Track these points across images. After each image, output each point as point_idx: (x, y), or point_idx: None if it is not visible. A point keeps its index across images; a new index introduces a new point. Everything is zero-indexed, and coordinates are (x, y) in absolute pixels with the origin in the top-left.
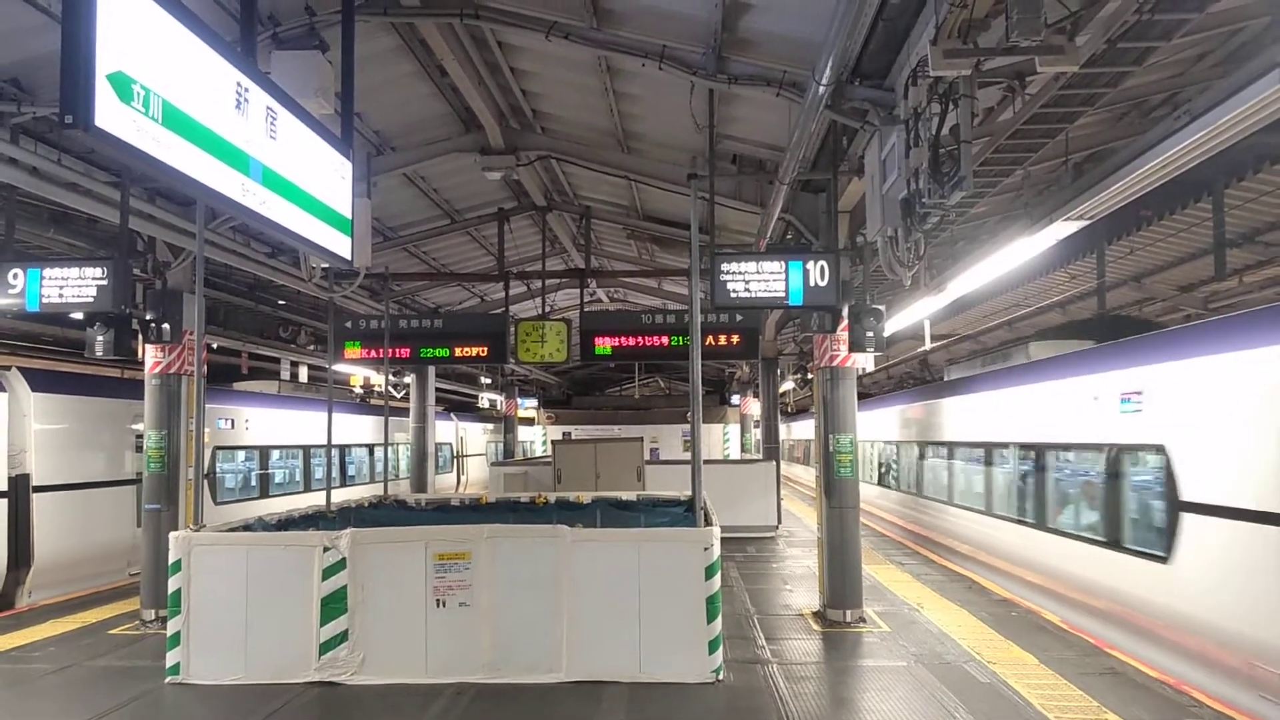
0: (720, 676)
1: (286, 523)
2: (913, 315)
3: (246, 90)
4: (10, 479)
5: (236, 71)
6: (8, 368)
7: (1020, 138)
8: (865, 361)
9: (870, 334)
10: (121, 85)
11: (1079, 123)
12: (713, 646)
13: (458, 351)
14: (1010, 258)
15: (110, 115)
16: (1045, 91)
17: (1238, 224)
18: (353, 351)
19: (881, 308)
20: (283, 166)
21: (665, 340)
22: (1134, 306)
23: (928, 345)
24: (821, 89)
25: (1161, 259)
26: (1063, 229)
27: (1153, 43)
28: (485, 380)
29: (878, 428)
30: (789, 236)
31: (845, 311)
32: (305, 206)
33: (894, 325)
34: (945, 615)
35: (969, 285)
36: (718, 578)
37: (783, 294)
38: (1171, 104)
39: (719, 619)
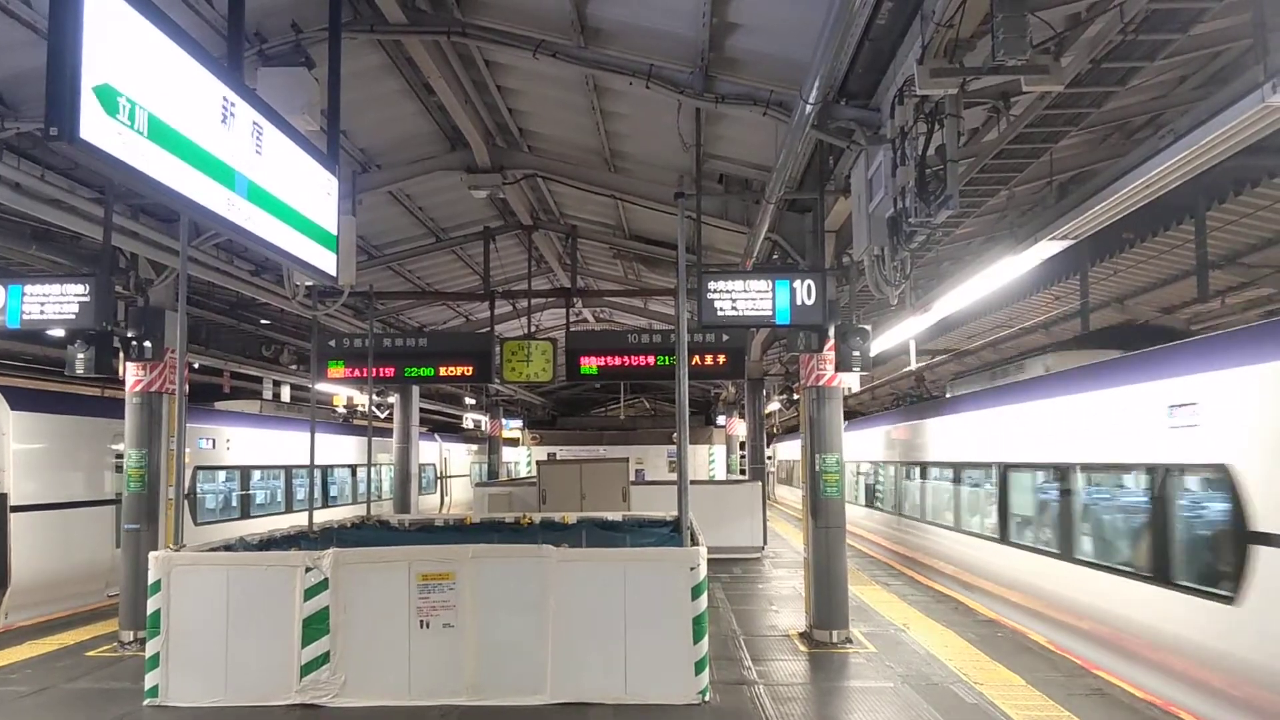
0: (706, 698)
1: (268, 543)
2: (899, 335)
3: (233, 105)
4: None
5: (223, 86)
6: None
7: (1005, 158)
8: (851, 381)
9: (856, 353)
10: (107, 98)
11: (1063, 143)
12: (699, 667)
13: (442, 371)
14: (995, 277)
15: (95, 128)
16: (1030, 112)
17: (1220, 246)
18: (336, 371)
19: (868, 327)
20: (268, 182)
21: (651, 360)
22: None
23: (913, 365)
24: (808, 108)
25: (1144, 280)
26: (1047, 248)
27: (1136, 63)
28: (470, 401)
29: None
30: (775, 256)
31: (831, 331)
32: (291, 222)
33: (880, 345)
34: (931, 636)
35: (954, 305)
36: (704, 598)
37: (770, 313)
38: (1154, 126)
39: (705, 639)
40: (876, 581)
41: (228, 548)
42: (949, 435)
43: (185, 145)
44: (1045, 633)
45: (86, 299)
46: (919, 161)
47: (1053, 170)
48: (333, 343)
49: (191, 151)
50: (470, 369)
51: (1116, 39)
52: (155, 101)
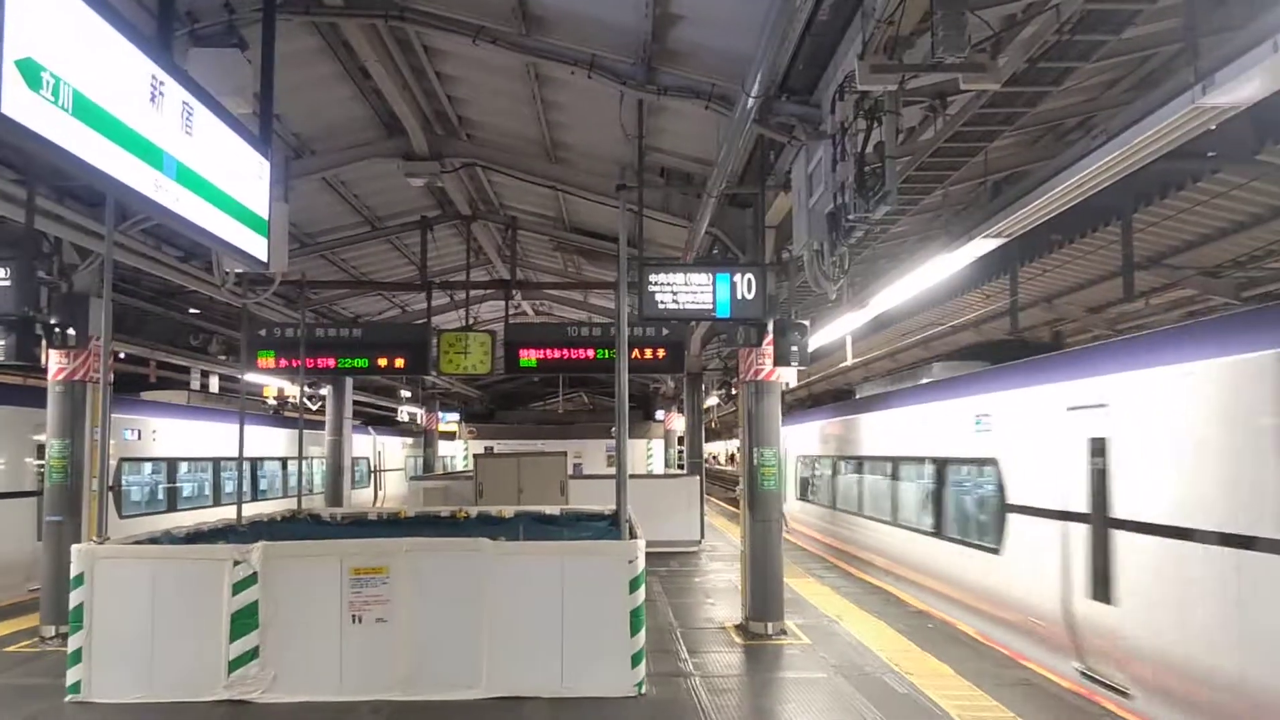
0: (643, 690)
1: (195, 536)
2: (836, 331)
3: (161, 84)
4: None
5: (151, 64)
6: None
7: (941, 156)
8: (789, 375)
9: (795, 348)
10: (30, 72)
11: (997, 143)
12: (635, 660)
13: (377, 362)
14: (930, 274)
15: (18, 103)
16: (966, 111)
17: (1145, 248)
18: (266, 360)
19: (806, 323)
20: (198, 163)
21: (591, 353)
22: (1045, 326)
23: (849, 361)
24: (750, 102)
25: (1072, 281)
26: (981, 246)
27: (1071, 63)
28: (405, 394)
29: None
30: (715, 251)
31: (771, 325)
32: (220, 205)
33: (817, 341)
34: (863, 627)
35: (890, 301)
36: (642, 590)
37: (710, 306)
38: (1085, 128)
39: (642, 632)
40: (811, 574)
41: (153, 541)
42: None
43: (112, 123)
44: None
45: (7, 284)
46: (858, 158)
47: (987, 170)
48: (263, 332)
49: (118, 130)
50: (406, 360)
51: (1052, 39)
52: (81, 78)
